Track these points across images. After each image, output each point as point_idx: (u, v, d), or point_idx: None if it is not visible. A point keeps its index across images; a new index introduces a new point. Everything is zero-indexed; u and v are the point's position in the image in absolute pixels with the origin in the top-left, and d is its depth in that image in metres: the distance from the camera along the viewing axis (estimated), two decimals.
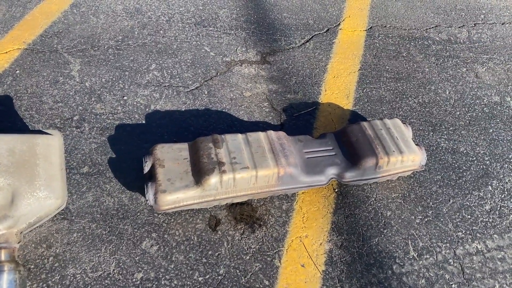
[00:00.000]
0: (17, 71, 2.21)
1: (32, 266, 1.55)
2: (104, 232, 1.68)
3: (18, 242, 1.47)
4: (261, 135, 1.85)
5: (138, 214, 1.75)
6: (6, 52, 2.30)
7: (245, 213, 1.81)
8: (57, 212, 1.57)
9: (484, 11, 3.14)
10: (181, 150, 1.80)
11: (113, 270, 1.58)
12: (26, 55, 2.30)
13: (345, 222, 1.82)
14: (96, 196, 1.78)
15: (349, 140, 1.92)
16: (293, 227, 1.78)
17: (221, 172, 1.67)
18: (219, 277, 1.60)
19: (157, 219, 1.74)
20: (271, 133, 1.86)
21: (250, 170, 1.70)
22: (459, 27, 2.95)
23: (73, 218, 1.70)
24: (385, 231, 1.79)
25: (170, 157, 1.76)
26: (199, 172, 1.70)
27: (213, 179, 1.66)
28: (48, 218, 1.55)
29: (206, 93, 2.27)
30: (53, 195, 1.48)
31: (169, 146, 1.80)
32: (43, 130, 1.60)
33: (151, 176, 1.72)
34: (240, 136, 1.83)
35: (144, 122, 2.09)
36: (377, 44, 2.73)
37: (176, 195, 1.66)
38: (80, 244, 1.63)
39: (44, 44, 2.37)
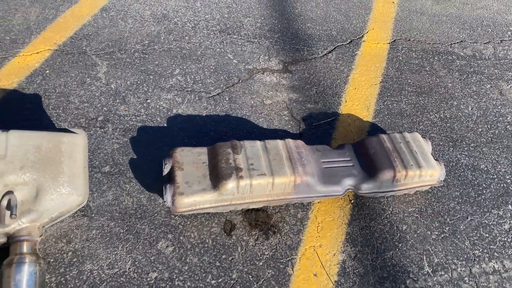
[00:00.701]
0: (47, 71, 2.30)
1: (52, 260, 1.60)
2: (122, 231, 1.72)
3: (40, 236, 1.53)
4: (279, 143, 1.87)
5: (156, 215, 1.79)
6: (38, 52, 2.39)
7: (260, 219, 1.83)
8: (78, 208, 1.62)
9: (511, 28, 3.10)
10: (200, 154, 1.84)
11: (129, 268, 1.62)
12: (56, 56, 2.38)
13: (360, 233, 1.81)
14: (116, 195, 1.83)
15: (367, 152, 1.92)
16: (307, 236, 1.79)
17: (238, 178, 1.69)
18: (232, 282, 1.62)
19: (174, 220, 1.78)
20: (290, 141, 1.88)
21: (267, 177, 1.72)
22: (485, 43, 2.92)
23: (93, 215, 1.75)
24: (400, 245, 1.78)
25: (189, 160, 1.80)
26: (216, 176, 1.73)
27: (230, 184, 1.68)
28: (69, 214, 1.60)
29: (227, 99, 2.31)
30: (76, 192, 1.53)
31: (189, 150, 1.84)
32: (69, 128, 1.66)
33: (170, 178, 1.76)
34: (258, 143, 1.85)
35: (165, 125, 2.14)
36: (400, 57, 2.73)
37: (193, 198, 1.69)
38: (98, 241, 1.68)
39: (74, 46, 2.46)
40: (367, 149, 1.93)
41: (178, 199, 1.67)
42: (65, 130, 1.64)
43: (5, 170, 1.45)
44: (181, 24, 2.72)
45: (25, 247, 1.46)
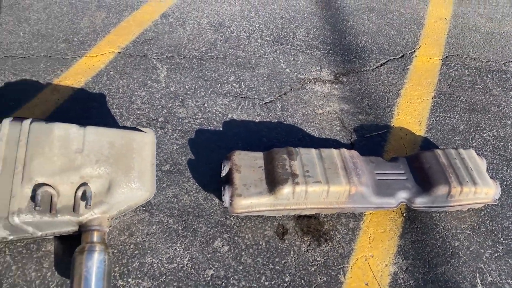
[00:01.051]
0: (111, 72, 2.43)
1: (115, 251, 1.69)
2: (180, 228, 1.80)
3: (109, 227, 1.62)
4: (334, 152, 1.91)
5: (212, 214, 1.86)
6: (103, 54, 2.53)
7: (312, 226, 1.87)
8: (143, 203, 1.71)
9: None
10: (256, 158, 1.90)
11: (187, 264, 1.69)
12: (119, 58, 2.52)
13: (411, 247, 1.82)
14: (175, 193, 1.91)
15: (422, 166, 1.93)
16: (359, 245, 1.81)
17: (294, 184, 1.74)
18: (285, 284, 1.66)
19: (229, 221, 1.84)
20: (344, 151, 1.92)
21: (322, 184, 1.76)
22: None
23: (153, 211, 1.84)
24: (452, 261, 1.78)
25: (246, 164, 1.86)
26: (273, 181, 1.78)
27: (286, 189, 1.73)
28: (133, 208, 1.69)
29: (279, 107, 2.37)
30: (144, 188, 1.62)
31: (246, 154, 1.91)
32: (138, 127, 1.76)
33: (228, 180, 1.82)
34: (313, 151, 1.90)
35: (221, 129, 2.21)
36: (453, 74, 2.72)
37: (250, 200, 1.75)
38: (158, 236, 1.76)
39: (136, 50, 2.58)
40: (421, 163, 1.94)
41: (236, 200, 1.74)
42: (135, 129, 1.73)
43: (82, 163, 1.56)
44: (237, 33, 2.81)
45: (95, 237, 1.55)
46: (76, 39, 2.60)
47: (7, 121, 1.70)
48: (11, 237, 1.60)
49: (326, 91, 2.50)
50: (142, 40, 2.66)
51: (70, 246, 1.68)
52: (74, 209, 1.53)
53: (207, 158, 2.07)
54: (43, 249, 1.67)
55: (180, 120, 2.23)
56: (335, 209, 1.84)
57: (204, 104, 2.33)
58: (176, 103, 2.31)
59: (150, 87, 2.38)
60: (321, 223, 1.88)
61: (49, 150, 1.57)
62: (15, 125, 1.69)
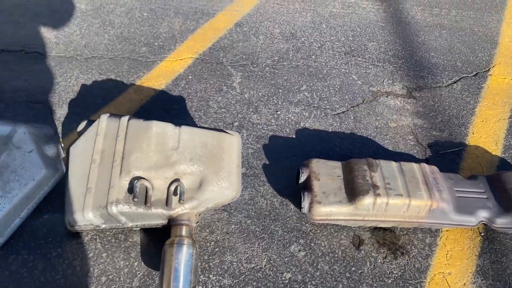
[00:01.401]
0: (190, 77, 2.53)
1: (197, 247, 1.75)
2: (258, 229, 1.84)
3: (196, 223, 1.69)
4: (414, 166, 1.90)
5: (288, 219, 1.89)
6: (182, 59, 2.64)
7: (387, 238, 1.86)
8: (228, 202, 1.77)
9: None
10: (334, 167, 1.92)
11: (265, 265, 1.73)
12: (197, 64, 2.62)
13: (490, 267, 1.78)
14: (251, 195, 1.96)
15: (504, 186, 1.89)
16: (436, 261, 1.79)
17: (375, 195, 1.75)
18: None
19: (305, 227, 1.87)
20: (425, 166, 1.91)
21: (404, 198, 1.76)
22: None
23: (232, 211, 1.89)
24: None
25: (325, 172, 1.89)
26: (353, 191, 1.80)
27: (367, 200, 1.75)
28: (219, 206, 1.76)
29: (352, 118, 2.39)
30: (231, 187, 1.68)
31: (324, 162, 1.93)
32: (225, 130, 1.83)
33: (306, 186, 1.86)
34: (394, 164, 1.90)
35: (294, 136, 2.26)
36: None
37: (329, 208, 1.77)
38: (236, 236, 1.81)
39: (212, 56, 2.68)
40: (503, 184, 1.90)
41: (315, 207, 1.77)
42: (222, 131, 1.80)
43: (177, 159, 1.64)
44: (308, 43, 2.86)
45: (184, 231, 1.62)
46: (156, 43, 2.73)
47: (104, 117, 1.82)
48: (103, 226, 1.70)
49: (399, 105, 2.49)
50: (218, 47, 2.75)
51: (154, 239, 1.76)
52: (167, 203, 1.61)
53: (281, 164, 2.11)
54: (130, 240, 1.76)
55: (254, 125, 2.29)
56: (414, 224, 1.83)
57: (277, 111, 2.38)
58: (250, 109, 2.38)
59: (225, 92, 2.46)
60: (396, 236, 1.88)
61: (147, 146, 1.66)
62: (113, 121, 1.80)
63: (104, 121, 1.81)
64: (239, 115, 2.34)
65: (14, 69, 2.43)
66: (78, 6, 2.96)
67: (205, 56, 2.68)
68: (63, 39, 2.67)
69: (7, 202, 1.65)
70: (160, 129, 1.71)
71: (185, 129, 1.72)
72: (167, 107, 2.32)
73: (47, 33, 2.70)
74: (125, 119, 1.77)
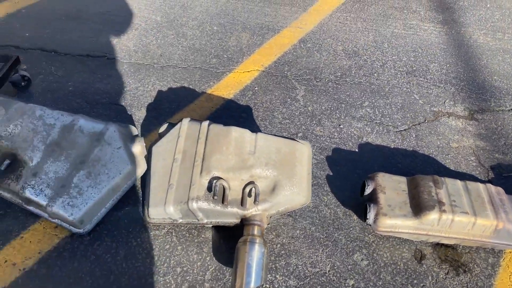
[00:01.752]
0: (256, 88, 2.67)
1: (268, 247, 1.85)
2: (322, 236, 1.92)
3: (267, 224, 1.80)
4: (480, 186, 1.93)
5: (351, 229, 1.96)
6: (249, 71, 2.79)
7: (449, 255, 1.89)
8: (298, 208, 1.87)
9: None
10: (400, 182, 1.98)
11: (328, 271, 1.80)
12: (263, 76, 2.76)
13: None
14: (315, 204, 2.05)
15: None
16: (499, 282, 1.80)
17: (441, 211, 1.79)
18: None
19: (367, 238, 1.93)
20: (491, 186, 1.93)
21: (469, 216, 1.79)
22: None
23: (297, 217, 1.99)
24: None
25: (390, 186, 1.95)
26: (418, 205, 1.84)
27: (432, 216, 1.79)
28: (289, 211, 1.86)
29: (414, 136, 2.43)
30: (302, 193, 1.78)
31: (389, 176, 2.00)
32: (296, 139, 1.94)
33: (372, 199, 1.92)
34: (459, 182, 1.94)
35: (356, 150, 2.33)
36: None
37: (394, 220, 1.83)
38: (301, 241, 1.90)
39: (277, 70, 2.82)
40: None
41: (381, 219, 1.83)
42: (294, 140, 1.91)
43: (254, 163, 1.76)
44: (370, 61, 2.94)
45: (256, 230, 1.73)
46: (225, 56, 2.89)
47: (186, 121, 1.98)
48: (180, 221, 1.83)
49: (461, 126, 2.52)
50: (283, 62, 2.88)
51: (225, 236, 1.88)
52: (242, 203, 1.73)
53: (344, 176, 2.19)
54: (202, 236, 1.88)
55: (318, 137, 2.38)
56: (477, 242, 1.85)
57: (339, 125, 2.47)
58: (314, 122, 2.47)
59: (290, 104, 2.58)
60: (458, 253, 1.90)
61: (226, 149, 1.80)
62: (194, 124, 1.95)
63: (185, 124, 1.96)
64: (303, 127, 2.44)
65: (97, 73, 2.66)
66: (154, 18, 3.19)
67: (270, 69, 2.82)
68: (141, 48, 2.89)
69: (96, 192, 1.82)
70: (238, 134, 1.84)
71: (261, 135, 1.85)
72: (236, 115, 2.46)
73: (126, 41, 2.93)
74: (205, 123, 1.92)
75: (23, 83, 2.46)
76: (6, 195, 1.86)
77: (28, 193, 1.75)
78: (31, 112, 1.88)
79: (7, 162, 1.77)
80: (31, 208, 1.83)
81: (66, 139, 1.85)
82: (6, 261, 1.75)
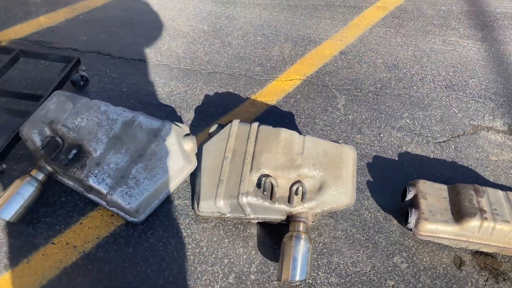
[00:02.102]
0: (298, 96, 2.77)
1: (312, 243, 1.93)
2: (362, 238, 1.99)
3: (312, 222, 1.88)
4: None
5: (391, 233, 2.02)
6: (291, 80, 2.90)
7: (488, 263, 1.92)
8: (342, 208, 1.94)
9: None
10: (440, 189, 2.03)
11: (369, 271, 1.86)
12: (304, 85, 2.86)
13: None
14: (356, 207, 2.12)
15: None
16: None
17: (482, 219, 1.83)
18: None
19: (407, 242, 1.98)
20: None
21: (511, 224, 1.83)
22: None
23: (338, 219, 2.06)
24: None
25: (431, 193, 2.01)
26: (459, 212, 1.89)
27: (473, 223, 1.83)
28: (333, 210, 1.94)
29: (453, 148, 2.48)
30: (347, 194, 1.85)
31: (430, 184, 2.05)
32: (340, 143, 2.02)
33: (413, 204, 1.98)
34: (500, 192, 1.98)
35: (396, 159, 2.39)
36: None
37: (435, 225, 1.88)
38: (342, 241, 1.97)
39: (318, 79, 2.92)
40: None
41: (422, 223, 1.89)
42: (338, 143, 2.00)
43: (302, 163, 1.85)
44: (410, 75, 3.01)
45: (301, 227, 1.81)
46: (268, 64, 3.02)
47: (236, 122, 2.10)
48: (228, 215, 1.94)
49: (500, 140, 2.55)
50: (324, 72, 2.99)
51: (269, 233, 1.97)
52: (289, 200, 1.82)
53: (384, 182, 2.25)
54: (247, 231, 1.98)
55: (358, 145, 2.46)
56: None
57: (379, 134, 2.54)
58: (354, 130, 2.55)
59: (330, 112, 2.67)
60: (498, 262, 1.93)
61: (275, 148, 1.90)
62: (243, 125, 2.07)
63: (235, 125, 2.08)
64: (343, 134, 2.52)
65: (149, 77, 2.82)
66: (201, 27, 3.35)
67: (312, 79, 2.92)
68: (189, 54, 3.05)
69: (152, 184, 1.95)
70: (287, 135, 1.94)
71: (309, 137, 1.94)
72: (278, 121, 2.57)
73: (176, 48, 3.10)
74: (255, 124, 2.03)
75: (81, 83, 2.65)
76: (69, 182, 2.01)
77: (91, 181, 1.89)
78: (97, 107, 2.04)
79: (74, 151, 1.92)
80: (91, 196, 1.98)
81: (127, 134, 2.00)
82: (67, 243, 1.89)
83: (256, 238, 1.96)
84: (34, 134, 1.97)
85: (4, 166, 2.10)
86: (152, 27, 3.31)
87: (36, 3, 3.53)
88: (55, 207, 2.02)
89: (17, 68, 2.71)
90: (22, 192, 1.88)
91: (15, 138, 2.11)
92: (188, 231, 1.97)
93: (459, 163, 2.40)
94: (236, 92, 2.77)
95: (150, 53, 3.04)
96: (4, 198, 1.86)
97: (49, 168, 1.97)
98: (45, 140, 1.96)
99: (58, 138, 1.96)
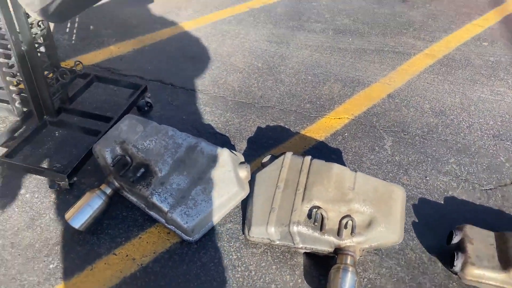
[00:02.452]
0: (346, 134, 2.89)
1: (359, 277, 1.99)
2: (407, 278, 2.02)
3: (360, 257, 1.94)
4: None
5: (436, 275, 2.05)
6: (339, 118, 3.02)
7: None
8: (390, 246, 2.00)
9: None
10: (488, 236, 2.06)
11: None
12: (352, 124, 2.98)
13: None
14: (401, 247, 2.16)
15: None
16: None
17: None
18: None
19: (451, 285, 2.00)
20: None
21: None
22: None
23: (383, 256, 2.11)
24: None
25: (478, 238, 2.03)
26: (507, 261, 1.91)
27: None
28: (380, 247, 2.00)
29: (499, 196, 2.49)
30: (395, 232, 1.92)
31: (477, 229, 2.08)
32: (391, 183, 2.11)
33: (459, 248, 2.01)
34: None
35: (442, 202, 2.43)
36: None
37: (482, 271, 1.90)
38: (387, 279, 2.01)
39: (366, 119, 3.03)
40: None
41: (469, 268, 1.91)
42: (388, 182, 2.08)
43: (352, 198, 1.94)
44: (457, 121, 3.07)
45: (349, 260, 1.88)
46: (318, 102, 3.17)
47: (289, 154, 2.23)
48: (277, 242, 2.03)
49: None
50: (372, 113, 3.10)
51: (316, 263, 2.04)
52: (339, 233, 1.90)
53: (430, 224, 2.29)
54: (295, 259, 2.06)
55: (404, 186, 2.52)
56: None
57: (426, 177, 2.59)
58: (401, 171, 2.62)
59: (377, 152, 2.75)
60: None
61: (327, 182, 2.01)
62: (296, 158, 2.20)
63: (289, 157, 2.21)
64: (390, 174, 2.59)
65: (206, 107, 3.03)
66: (256, 64, 3.57)
67: (360, 119, 3.03)
68: (244, 88, 3.25)
69: (208, 206, 2.09)
70: (339, 170, 2.05)
71: (360, 174, 2.04)
72: (327, 156, 2.68)
73: (232, 82, 3.31)
74: (308, 158, 2.16)
75: (146, 108, 2.87)
76: (133, 198, 2.18)
77: (155, 199, 2.05)
78: (165, 131, 2.23)
79: (142, 170, 2.10)
80: (152, 212, 2.13)
81: (190, 157, 2.16)
82: (127, 255, 2.03)
83: (302, 267, 2.04)
84: (106, 152, 2.17)
85: (75, 179, 2.30)
86: (211, 62, 3.55)
87: (108, 34, 3.88)
88: (117, 220, 2.19)
89: (89, 91, 2.98)
90: (92, 204, 2.06)
91: (88, 154, 2.32)
92: (238, 254, 2.07)
93: (506, 212, 2.40)
94: (286, 126, 2.92)
95: (209, 85, 3.26)
96: (75, 208, 2.05)
97: (116, 184, 2.15)
98: (116, 158, 2.15)
99: (127, 157, 2.15)
